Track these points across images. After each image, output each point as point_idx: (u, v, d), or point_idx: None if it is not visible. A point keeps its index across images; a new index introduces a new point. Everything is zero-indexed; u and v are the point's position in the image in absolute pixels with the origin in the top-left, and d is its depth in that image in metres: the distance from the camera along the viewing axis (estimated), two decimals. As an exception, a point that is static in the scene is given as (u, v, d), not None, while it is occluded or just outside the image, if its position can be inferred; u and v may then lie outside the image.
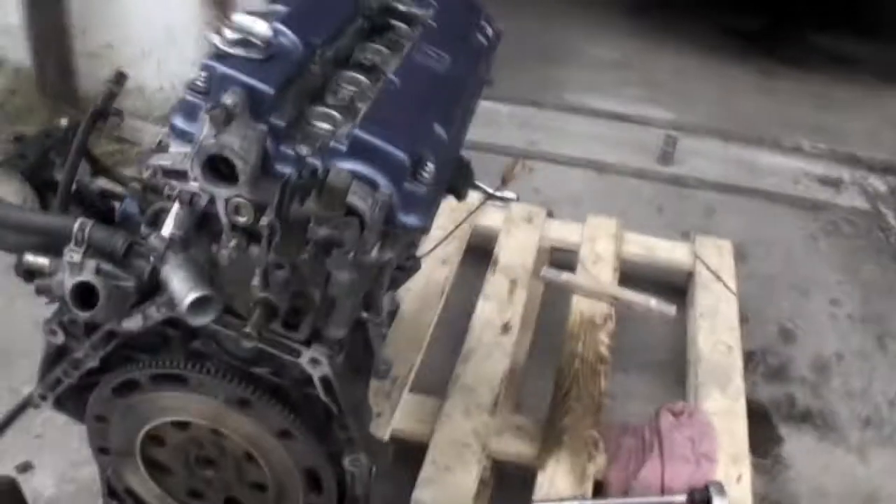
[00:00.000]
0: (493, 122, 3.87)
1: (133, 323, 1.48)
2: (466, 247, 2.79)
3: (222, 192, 1.32)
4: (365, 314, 1.59)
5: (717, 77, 4.35)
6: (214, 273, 1.40)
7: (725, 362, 2.36)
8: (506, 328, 2.43)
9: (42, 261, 1.49)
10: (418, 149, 1.33)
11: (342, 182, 1.24)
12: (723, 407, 2.21)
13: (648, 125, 3.84)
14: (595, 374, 2.30)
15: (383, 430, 2.10)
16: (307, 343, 1.44)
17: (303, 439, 1.53)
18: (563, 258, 2.84)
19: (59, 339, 1.58)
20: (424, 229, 1.36)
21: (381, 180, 1.30)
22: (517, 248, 2.76)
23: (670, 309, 2.53)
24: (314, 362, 1.44)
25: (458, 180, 1.84)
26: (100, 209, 1.64)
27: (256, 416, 1.53)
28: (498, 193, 3.24)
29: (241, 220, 1.33)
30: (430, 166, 1.33)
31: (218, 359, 1.53)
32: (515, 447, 2.12)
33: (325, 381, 1.45)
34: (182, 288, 1.34)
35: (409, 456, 2.09)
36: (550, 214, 3.08)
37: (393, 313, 2.22)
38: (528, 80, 4.21)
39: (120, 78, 1.59)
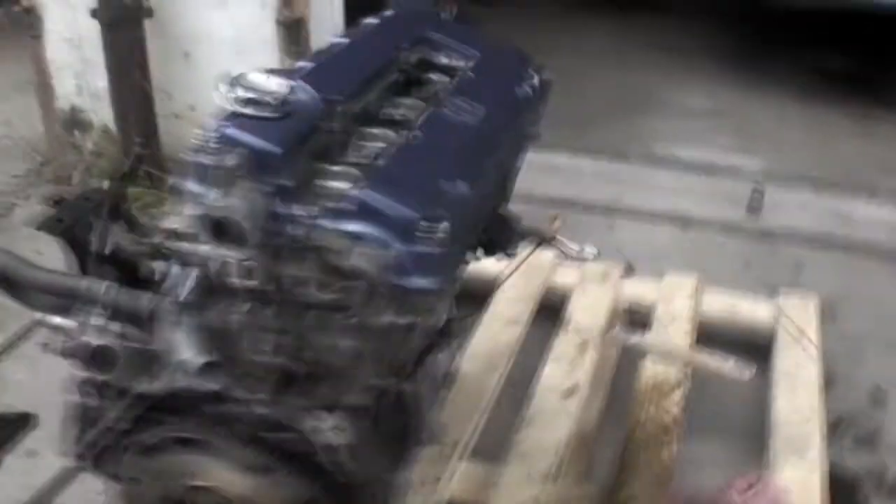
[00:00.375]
0: (577, 177, 3.80)
1: (159, 386, 1.46)
2: (538, 306, 2.71)
3: (231, 255, 1.29)
4: (394, 380, 1.52)
5: (814, 123, 4.17)
6: (228, 337, 1.36)
7: (805, 429, 2.20)
8: (571, 392, 2.33)
9: (68, 323, 1.50)
10: (431, 207, 1.27)
11: (337, 244, 1.20)
12: (800, 477, 2.05)
13: (738, 176, 3.69)
14: (664, 442, 2.18)
15: (438, 497, 2.03)
16: (328, 410, 1.39)
17: (327, 509, 1.48)
18: (639, 318, 2.72)
19: (94, 400, 1.58)
20: (439, 291, 1.29)
21: (389, 240, 1.25)
22: (589, 307, 2.66)
23: (747, 371, 2.38)
24: (335, 430, 1.39)
25: (500, 237, 1.77)
26: (136, 270, 1.64)
27: (279, 484, 1.49)
28: (575, 249, 3.17)
29: (250, 283, 1.30)
30: (445, 225, 1.26)
31: (243, 424, 1.49)
32: (574, 519, 2.02)
33: (347, 449, 1.40)
34: (190, 353, 1.32)
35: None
36: (631, 271, 2.98)
37: (449, 376, 2.15)
38: (616, 132, 4.14)
39: (147, 140, 1.59)
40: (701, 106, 4.44)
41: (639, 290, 2.79)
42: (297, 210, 1.27)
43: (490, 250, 1.86)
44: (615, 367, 2.54)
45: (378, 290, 1.23)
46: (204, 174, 1.28)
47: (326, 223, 1.26)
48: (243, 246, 1.26)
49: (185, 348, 1.36)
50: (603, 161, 3.91)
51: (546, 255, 2.91)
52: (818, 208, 3.48)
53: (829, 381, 2.56)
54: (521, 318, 2.62)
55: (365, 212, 1.26)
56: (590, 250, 3.16)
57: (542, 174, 3.86)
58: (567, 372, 2.40)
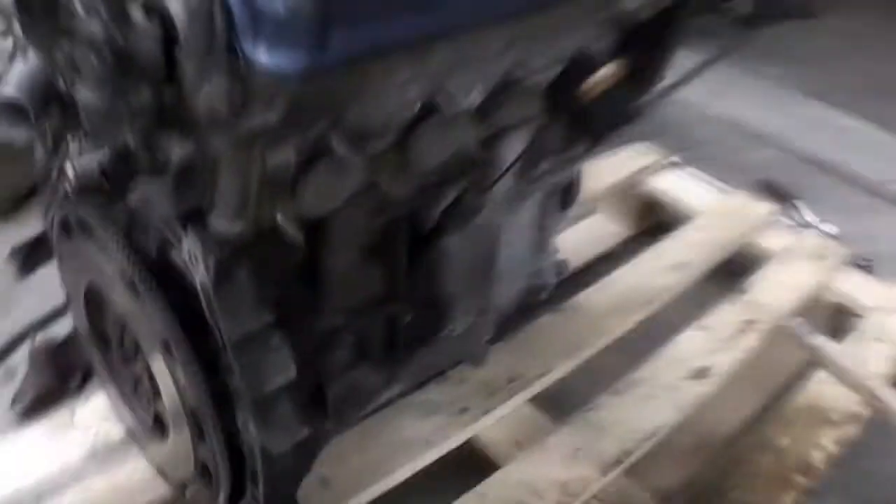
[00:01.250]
0: (856, 144, 3.08)
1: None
2: (722, 260, 2.10)
3: None
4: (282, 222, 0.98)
5: None
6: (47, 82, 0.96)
7: None
8: (702, 373, 1.74)
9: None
10: None
11: None
12: None
13: None
14: (783, 485, 1.56)
15: (461, 432, 1.54)
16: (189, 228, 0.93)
17: (183, 364, 1.02)
18: (840, 321, 2.05)
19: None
20: (289, 76, 0.75)
21: None
22: (781, 284, 2.02)
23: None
24: (192, 259, 0.93)
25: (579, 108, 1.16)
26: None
27: (146, 314, 1.05)
28: (810, 219, 2.50)
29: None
30: None
31: (148, 223, 1.05)
32: (604, 530, 1.46)
33: (203, 289, 0.93)
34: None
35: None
36: (866, 268, 2.28)
37: (551, 296, 1.61)
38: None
39: None
40: None
41: (857, 286, 2.09)
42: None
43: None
44: (779, 367, 1.90)
45: (184, 43, 0.76)
46: None
47: None
48: None
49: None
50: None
51: (761, 207, 2.27)
52: None
53: None
54: (691, 265, 2.03)
55: None
56: (828, 227, 2.50)
57: (814, 130, 3.16)
58: (710, 349, 1.80)
